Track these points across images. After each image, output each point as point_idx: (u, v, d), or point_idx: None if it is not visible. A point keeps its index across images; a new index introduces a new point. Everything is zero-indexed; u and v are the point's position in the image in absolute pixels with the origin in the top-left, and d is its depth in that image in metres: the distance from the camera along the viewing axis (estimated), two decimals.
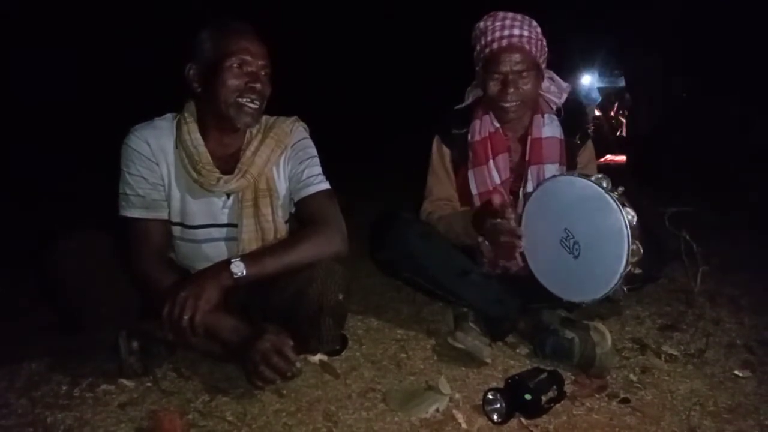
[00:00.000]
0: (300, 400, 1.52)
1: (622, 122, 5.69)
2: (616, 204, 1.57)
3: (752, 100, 4.94)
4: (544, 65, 1.95)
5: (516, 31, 1.85)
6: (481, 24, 1.91)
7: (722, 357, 1.78)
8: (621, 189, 1.61)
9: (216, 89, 1.57)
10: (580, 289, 1.70)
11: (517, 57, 1.84)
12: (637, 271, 1.60)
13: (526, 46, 1.86)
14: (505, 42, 1.85)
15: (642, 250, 1.58)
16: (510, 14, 1.89)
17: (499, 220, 1.76)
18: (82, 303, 1.57)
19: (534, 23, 1.90)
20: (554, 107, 2.00)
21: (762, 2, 4.66)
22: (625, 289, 1.62)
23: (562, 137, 1.99)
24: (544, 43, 1.91)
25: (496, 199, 1.78)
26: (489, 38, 1.87)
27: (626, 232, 1.55)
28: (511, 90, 1.86)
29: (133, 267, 1.61)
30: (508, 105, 1.89)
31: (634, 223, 1.56)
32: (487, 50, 1.88)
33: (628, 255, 1.55)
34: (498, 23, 1.87)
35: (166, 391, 1.56)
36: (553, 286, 1.76)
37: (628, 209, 1.57)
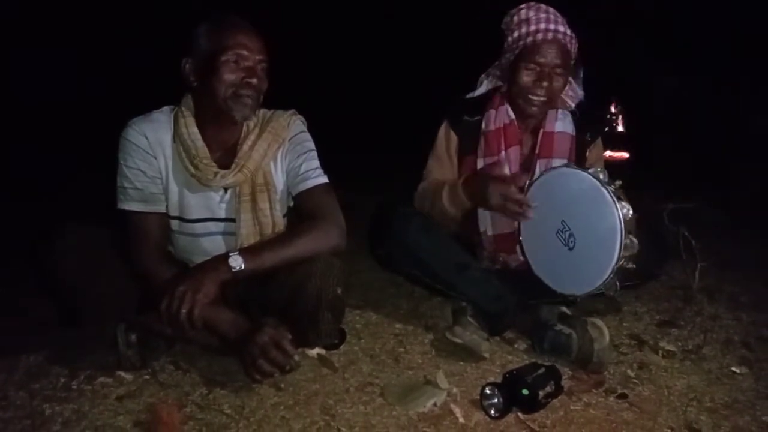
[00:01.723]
0: (298, 394, 1.52)
1: (622, 118, 5.70)
2: (611, 197, 1.57)
3: (753, 97, 4.94)
4: (571, 67, 1.94)
5: (561, 28, 1.84)
6: (522, 12, 1.88)
7: (719, 353, 1.79)
8: (618, 183, 1.62)
9: (212, 84, 1.56)
10: (573, 282, 1.71)
11: (558, 52, 1.84)
12: (631, 265, 1.61)
13: (568, 45, 1.86)
14: (550, 35, 1.83)
15: (637, 245, 1.58)
16: (551, 8, 1.88)
17: (503, 186, 1.76)
18: (81, 296, 1.56)
19: (566, 22, 1.90)
20: (568, 108, 1.99)
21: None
22: (618, 284, 1.62)
23: (574, 134, 1.99)
24: (577, 45, 1.91)
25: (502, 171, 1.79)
26: (533, 28, 1.84)
27: (619, 225, 1.55)
28: (545, 84, 1.85)
29: (131, 260, 1.61)
30: (536, 98, 1.88)
31: (629, 217, 1.56)
32: (529, 39, 1.85)
33: (620, 249, 1.55)
34: (542, 15, 1.86)
35: (164, 384, 1.57)
36: (547, 278, 1.77)
37: (624, 203, 1.57)
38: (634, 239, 1.57)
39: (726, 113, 5.04)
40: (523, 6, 1.90)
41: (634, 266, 1.61)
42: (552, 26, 1.84)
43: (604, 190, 1.58)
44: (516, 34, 1.88)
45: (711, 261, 2.15)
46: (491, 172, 1.88)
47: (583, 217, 1.65)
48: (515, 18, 1.89)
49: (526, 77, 1.87)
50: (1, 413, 1.44)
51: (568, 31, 1.86)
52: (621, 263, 1.57)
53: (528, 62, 1.86)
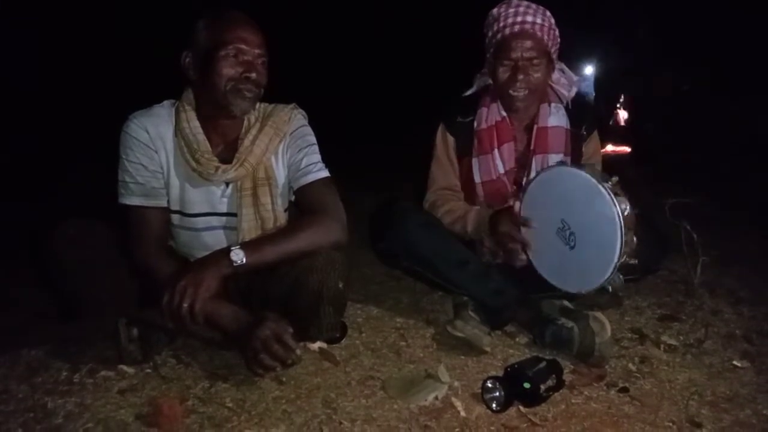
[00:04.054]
0: (299, 388, 1.52)
1: (624, 112, 5.71)
2: (609, 194, 1.56)
3: (755, 95, 4.94)
4: (555, 55, 1.93)
5: (529, 18, 1.84)
6: (495, 11, 1.90)
7: (721, 347, 1.79)
8: (615, 179, 1.61)
9: (211, 78, 1.56)
10: (577, 280, 1.71)
11: (528, 44, 1.83)
12: (633, 261, 1.60)
13: (538, 34, 1.84)
14: (517, 28, 1.83)
15: (635, 241, 1.58)
16: (525, 2, 1.88)
17: (510, 230, 1.80)
18: (82, 290, 1.57)
19: (548, 13, 1.89)
20: (564, 101, 1.99)
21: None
22: (622, 279, 1.62)
23: (569, 127, 1.98)
24: (557, 33, 1.90)
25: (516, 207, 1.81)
26: (501, 24, 1.86)
27: (618, 222, 1.54)
28: (521, 77, 1.84)
29: (132, 255, 1.61)
30: (516, 93, 1.87)
31: (627, 213, 1.56)
32: (499, 35, 1.87)
33: (621, 245, 1.55)
34: (511, 10, 1.86)
35: (166, 377, 1.57)
36: (550, 277, 1.77)
37: (621, 199, 1.57)
38: (633, 235, 1.56)
39: (730, 110, 5.03)
40: (499, 4, 1.91)
41: (636, 261, 1.61)
42: (520, 18, 1.84)
43: (601, 188, 1.57)
44: (490, 33, 1.91)
45: (712, 255, 2.16)
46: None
47: (582, 216, 1.64)
48: (490, 17, 1.92)
49: (502, 73, 1.88)
50: (3, 407, 1.44)
51: (539, 20, 1.85)
52: (623, 260, 1.57)
53: (502, 58, 1.86)
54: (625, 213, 1.54)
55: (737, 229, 3.03)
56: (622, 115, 5.65)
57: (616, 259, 1.57)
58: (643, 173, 4.13)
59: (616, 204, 1.55)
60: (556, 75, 1.97)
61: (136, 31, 6.67)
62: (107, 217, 1.66)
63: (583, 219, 1.64)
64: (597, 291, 1.70)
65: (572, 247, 1.67)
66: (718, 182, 3.92)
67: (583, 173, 1.63)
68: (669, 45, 5.40)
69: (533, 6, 1.88)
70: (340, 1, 7.65)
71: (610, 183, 1.59)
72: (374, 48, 7.64)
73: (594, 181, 1.59)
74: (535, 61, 1.85)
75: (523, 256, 1.83)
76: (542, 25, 1.85)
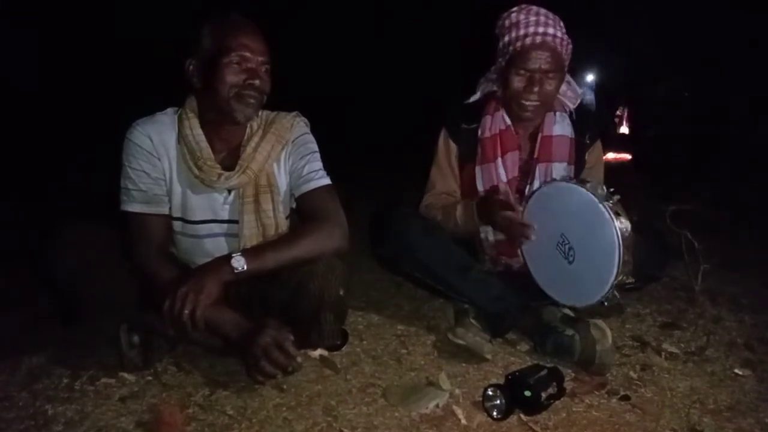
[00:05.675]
0: (300, 395, 1.52)
1: (624, 119, 5.72)
2: (609, 214, 1.55)
3: (755, 96, 4.94)
4: (566, 68, 1.92)
5: (550, 30, 1.81)
6: (513, 16, 1.86)
7: (722, 355, 1.78)
8: (616, 198, 1.60)
9: (215, 85, 1.56)
10: (573, 294, 1.71)
11: (548, 56, 1.81)
12: (629, 280, 1.61)
13: (558, 48, 1.82)
14: (539, 39, 1.80)
15: (632, 260, 1.57)
16: (542, 10, 1.85)
17: (509, 213, 1.77)
18: (83, 293, 1.56)
19: (562, 24, 1.86)
20: (567, 110, 1.98)
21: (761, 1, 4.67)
22: (618, 296, 1.63)
23: (573, 136, 1.97)
24: (571, 46, 1.87)
25: (502, 187, 1.78)
26: (522, 32, 1.82)
27: (617, 243, 1.54)
28: (536, 89, 1.83)
29: (134, 261, 1.61)
30: (528, 103, 1.86)
31: (627, 233, 1.55)
32: (518, 44, 1.82)
33: (619, 266, 1.55)
34: (532, 18, 1.82)
35: (167, 384, 1.57)
36: (547, 288, 1.77)
37: (622, 219, 1.56)
38: (631, 256, 1.56)
39: (730, 116, 5.04)
40: (514, 9, 1.87)
41: (633, 281, 1.61)
42: (541, 29, 1.80)
43: (602, 207, 1.56)
44: (506, 39, 1.86)
45: (712, 262, 2.15)
46: (496, 197, 1.86)
47: (581, 233, 1.64)
48: (506, 21, 1.87)
49: (517, 83, 1.85)
50: (4, 414, 1.43)
51: (559, 33, 1.82)
52: (620, 279, 1.57)
53: (518, 68, 1.83)
54: (625, 234, 1.54)
55: (738, 235, 3.03)
56: (623, 121, 5.66)
57: (612, 279, 1.57)
58: (643, 180, 4.13)
59: (616, 224, 1.54)
60: (563, 87, 1.96)
61: (136, 32, 6.67)
62: (108, 218, 1.65)
63: (583, 236, 1.64)
64: (591, 307, 1.70)
65: (570, 262, 1.68)
66: (719, 188, 3.92)
67: (584, 191, 1.61)
68: (669, 50, 5.40)
69: (551, 16, 1.84)
70: (341, 3, 7.65)
71: (611, 202, 1.58)
72: (375, 50, 7.64)
73: (595, 199, 1.58)
74: (550, 75, 1.83)
75: (531, 237, 1.78)
76: (562, 39, 1.82)
